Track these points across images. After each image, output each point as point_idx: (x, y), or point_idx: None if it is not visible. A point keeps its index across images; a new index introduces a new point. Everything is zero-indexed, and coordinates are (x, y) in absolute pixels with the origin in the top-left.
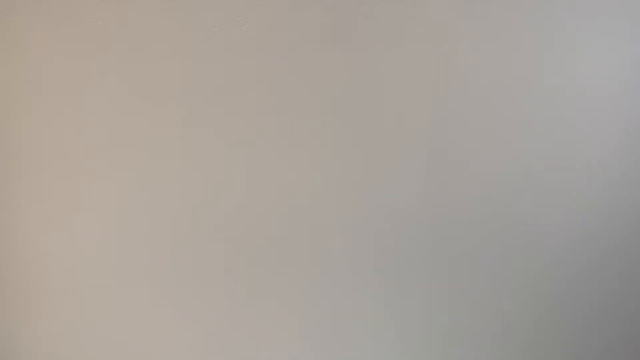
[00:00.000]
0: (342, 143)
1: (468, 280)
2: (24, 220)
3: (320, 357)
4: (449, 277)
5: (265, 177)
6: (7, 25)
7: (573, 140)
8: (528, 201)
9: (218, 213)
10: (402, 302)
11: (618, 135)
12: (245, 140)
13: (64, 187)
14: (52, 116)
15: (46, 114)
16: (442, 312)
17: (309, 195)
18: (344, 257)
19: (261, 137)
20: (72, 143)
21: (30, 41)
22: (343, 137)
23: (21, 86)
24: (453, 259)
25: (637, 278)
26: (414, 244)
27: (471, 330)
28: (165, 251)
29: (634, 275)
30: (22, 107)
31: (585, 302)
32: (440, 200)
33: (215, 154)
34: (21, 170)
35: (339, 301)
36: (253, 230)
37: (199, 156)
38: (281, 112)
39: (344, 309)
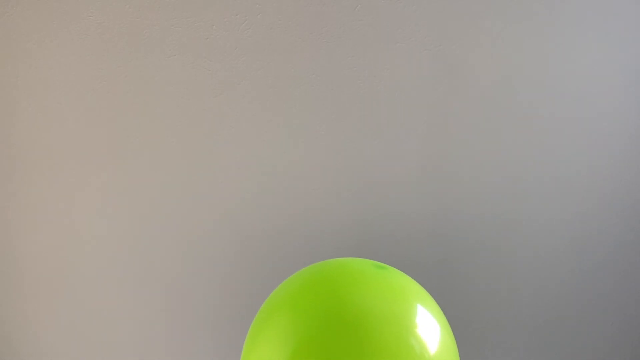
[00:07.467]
0: (342, 142)
1: (466, 282)
2: (23, 219)
3: None
4: (447, 279)
5: (265, 176)
6: (6, 24)
7: (574, 141)
8: (528, 201)
9: (220, 212)
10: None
11: (620, 136)
12: (245, 138)
13: (64, 186)
14: (52, 115)
15: (46, 113)
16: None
17: (307, 196)
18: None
19: (260, 135)
20: (72, 142)
21: (30, 40)
22: (342, 136)
23: (20, 85)
24: (452, 260)
25: (638, 280)
26: (412, 245)
27: (469, 330)
28: (166, 250)
29: (635, 277)
30: (21, 106)
31: (584, 304)
32: (439, 200)
33: (216, 152)
34: (20, 169)
35: None
36: (254, 230)
37: (199, 154)
38: (280, 110)
39: None
